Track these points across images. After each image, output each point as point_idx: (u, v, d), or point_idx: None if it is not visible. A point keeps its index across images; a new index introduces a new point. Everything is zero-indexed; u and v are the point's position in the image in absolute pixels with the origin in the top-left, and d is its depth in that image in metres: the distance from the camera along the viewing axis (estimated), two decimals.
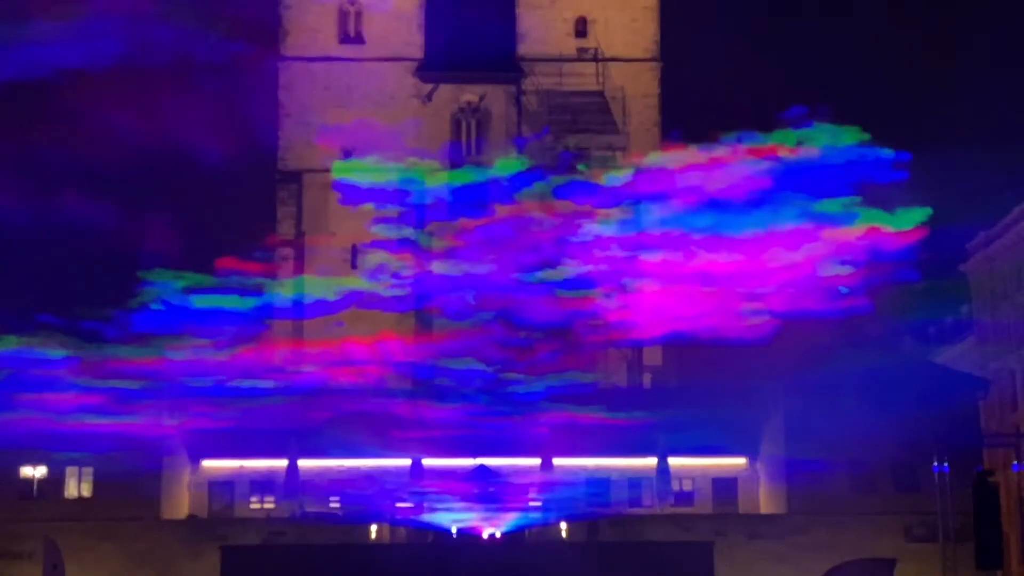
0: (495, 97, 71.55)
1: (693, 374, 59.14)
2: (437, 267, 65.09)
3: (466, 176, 66.98)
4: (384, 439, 55.93)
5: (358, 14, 72.74)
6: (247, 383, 57.04)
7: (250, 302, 62.66)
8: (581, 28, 72.64)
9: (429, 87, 71.17)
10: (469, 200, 65.92)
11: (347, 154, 69.30)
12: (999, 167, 69.95)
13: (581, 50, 72.12)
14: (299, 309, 67.35)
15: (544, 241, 63.99)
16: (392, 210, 66.77)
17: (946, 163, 60.91)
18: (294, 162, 70.67)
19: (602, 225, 62.80)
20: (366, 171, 66.04)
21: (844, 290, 58.63)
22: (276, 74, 71.51)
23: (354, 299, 65.24)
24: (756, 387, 56.37)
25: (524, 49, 72.41)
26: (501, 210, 65.02)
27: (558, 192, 65.06)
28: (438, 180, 67.11)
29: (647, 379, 66.67)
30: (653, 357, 67.49)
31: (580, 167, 65.96)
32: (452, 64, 71.23)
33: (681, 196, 60.80)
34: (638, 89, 71.25)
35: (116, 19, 62.74)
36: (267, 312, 64.97)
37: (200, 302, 61.42)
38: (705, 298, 59.85)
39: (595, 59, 71.50)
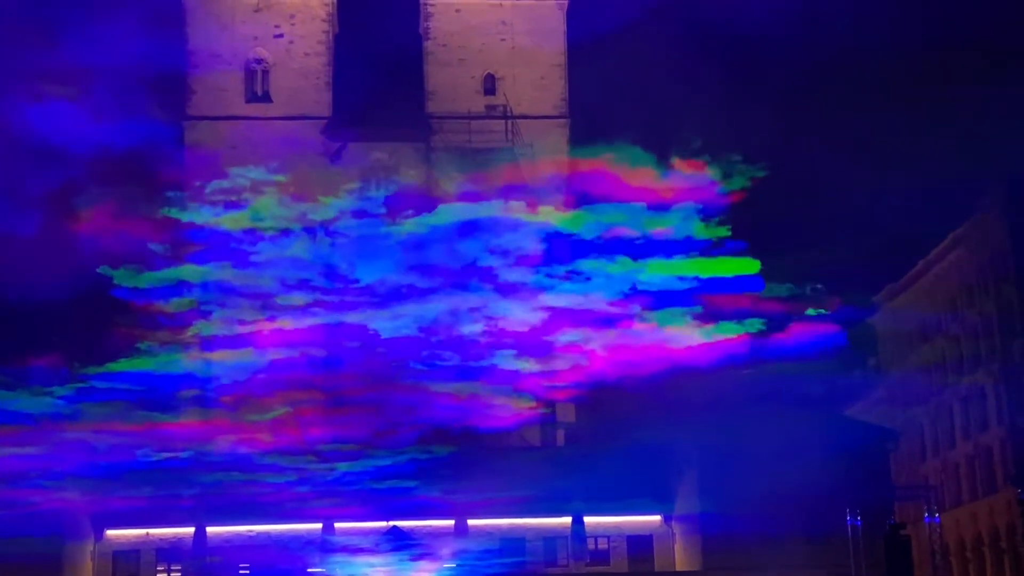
0: (405, 155, 71.20)
1: (608, 432, 58.80)
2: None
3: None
4: (292, 504, 54.95)
5: (265, 73, 72.36)
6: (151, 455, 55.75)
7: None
8: (490, 86, 72.90)
9: (338, 145, 70.72)
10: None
11: None
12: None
13: (490, 107, 72.33)
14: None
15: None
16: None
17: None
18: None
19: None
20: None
21: None
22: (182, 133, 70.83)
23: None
24: (670, 444, 56.22)
25: (433, 106, 72.47)
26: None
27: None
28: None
29: (560, 436, 66.34)
30: (567, 414, 67.20)
31: None
32: (361, 122, 70.88)
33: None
34: (547, 146, 71.43)
35: None
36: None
37: None
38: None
39: (504, 116, 71.67)
